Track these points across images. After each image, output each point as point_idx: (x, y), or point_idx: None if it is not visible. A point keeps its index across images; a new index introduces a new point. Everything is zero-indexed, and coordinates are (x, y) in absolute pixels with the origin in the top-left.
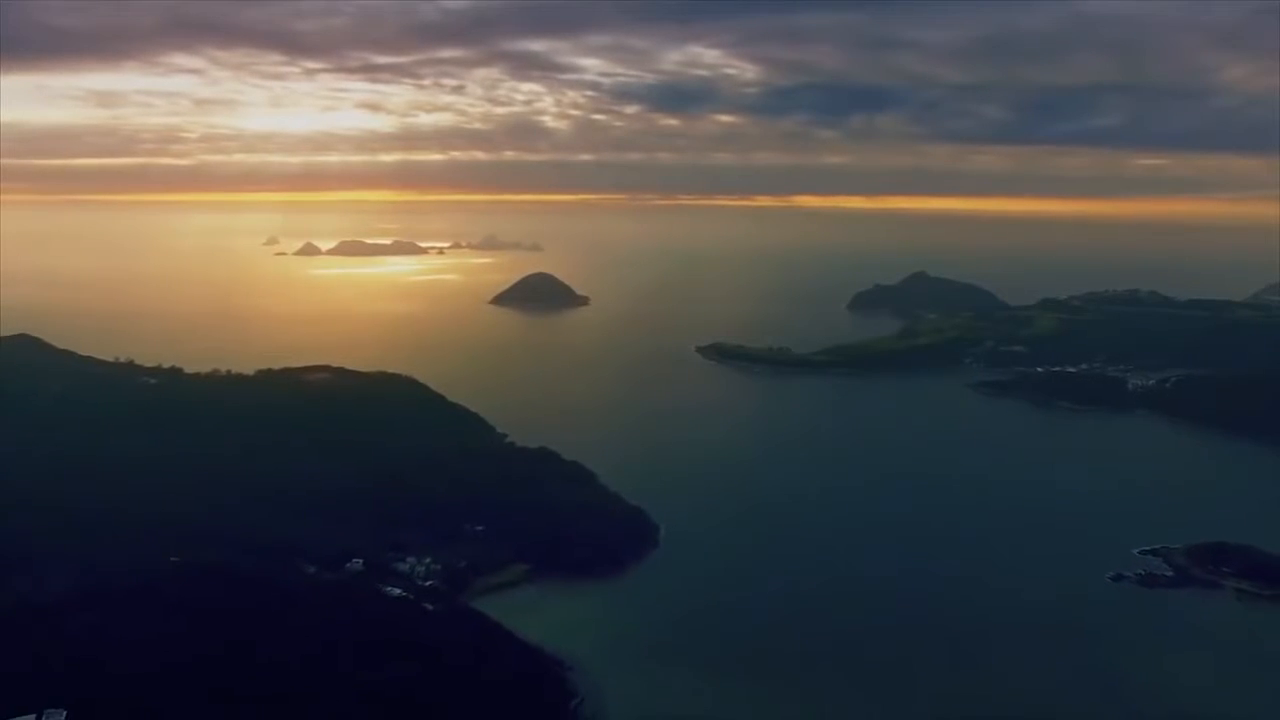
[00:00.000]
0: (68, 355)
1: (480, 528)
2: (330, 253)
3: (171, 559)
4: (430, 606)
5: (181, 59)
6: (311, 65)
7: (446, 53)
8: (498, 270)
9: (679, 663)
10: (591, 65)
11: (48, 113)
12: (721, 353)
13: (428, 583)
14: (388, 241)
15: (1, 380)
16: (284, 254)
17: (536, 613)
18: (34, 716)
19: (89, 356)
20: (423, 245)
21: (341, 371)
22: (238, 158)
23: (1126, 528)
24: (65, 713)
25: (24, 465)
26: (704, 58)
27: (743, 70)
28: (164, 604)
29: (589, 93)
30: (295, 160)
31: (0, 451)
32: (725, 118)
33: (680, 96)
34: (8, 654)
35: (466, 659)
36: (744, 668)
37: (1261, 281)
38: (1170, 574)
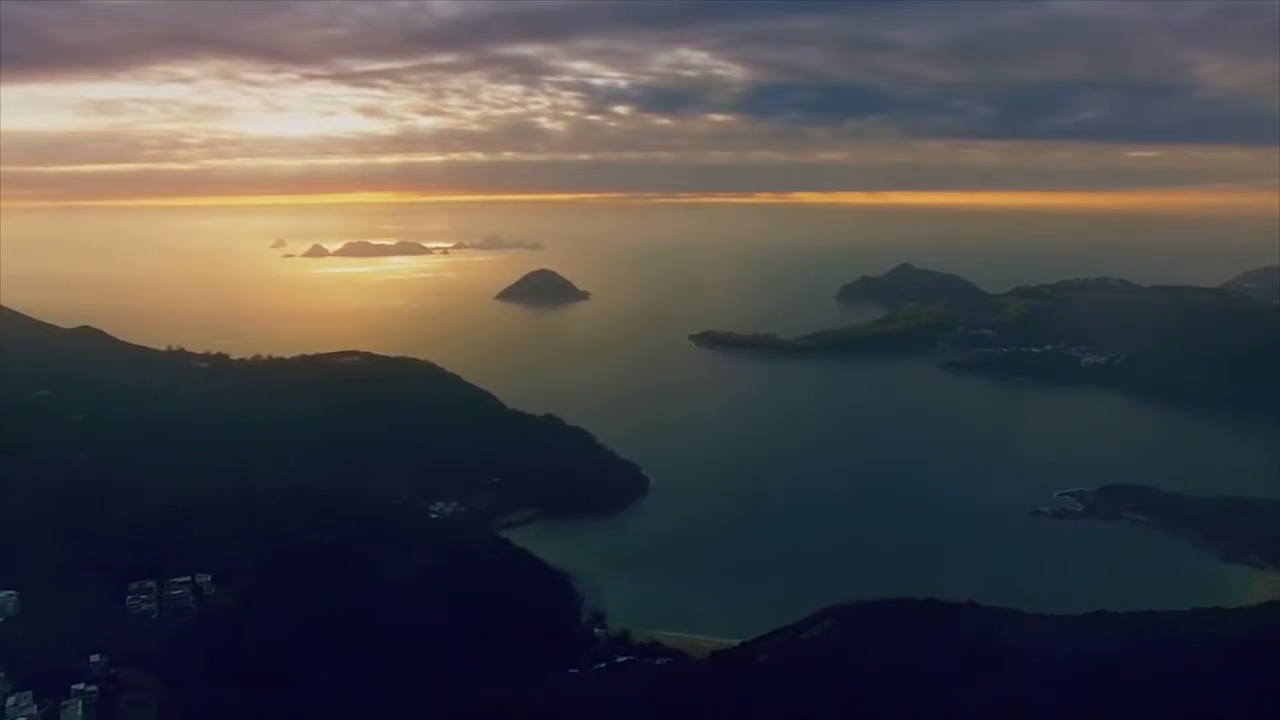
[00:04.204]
0: (124, 344)
1: (496, 479)
2: (337, 254)
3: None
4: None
5: (183, 68)
6: (310, 72)
7: (441, 58)
8: (500, 268)
9: (662, 573)
10: (584, 68)
11: (51, 120)
12: (712, 340)
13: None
14: (392, 242)
15: (77, 363)
16: (292, 255)
17: (546, 542)
18: (189, 577)
19: (142, 346)
20: (427, 245)
21: (369, 356)
22: (240, 163)
23: (1053, 475)
24: (210, 576)
25: (116, 427)
26: (693, 59)
27: (732, 71)
28: (262, 511)
29: (583, 94)
30: (297, 164)
31: (97, 415)
32: (719, 117)
33: (672, 97)
34: (161, 541)
35: (491, 562)
36: (712, 575)
37: (1237, 269)
38: (1080, 509)
